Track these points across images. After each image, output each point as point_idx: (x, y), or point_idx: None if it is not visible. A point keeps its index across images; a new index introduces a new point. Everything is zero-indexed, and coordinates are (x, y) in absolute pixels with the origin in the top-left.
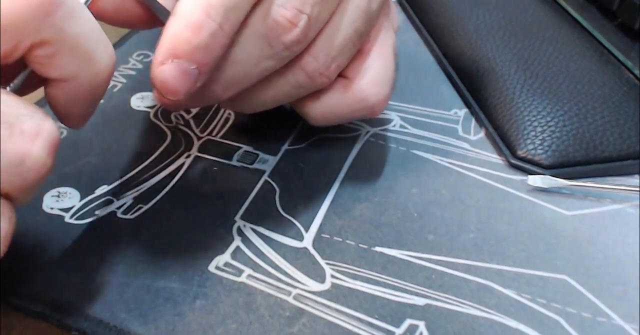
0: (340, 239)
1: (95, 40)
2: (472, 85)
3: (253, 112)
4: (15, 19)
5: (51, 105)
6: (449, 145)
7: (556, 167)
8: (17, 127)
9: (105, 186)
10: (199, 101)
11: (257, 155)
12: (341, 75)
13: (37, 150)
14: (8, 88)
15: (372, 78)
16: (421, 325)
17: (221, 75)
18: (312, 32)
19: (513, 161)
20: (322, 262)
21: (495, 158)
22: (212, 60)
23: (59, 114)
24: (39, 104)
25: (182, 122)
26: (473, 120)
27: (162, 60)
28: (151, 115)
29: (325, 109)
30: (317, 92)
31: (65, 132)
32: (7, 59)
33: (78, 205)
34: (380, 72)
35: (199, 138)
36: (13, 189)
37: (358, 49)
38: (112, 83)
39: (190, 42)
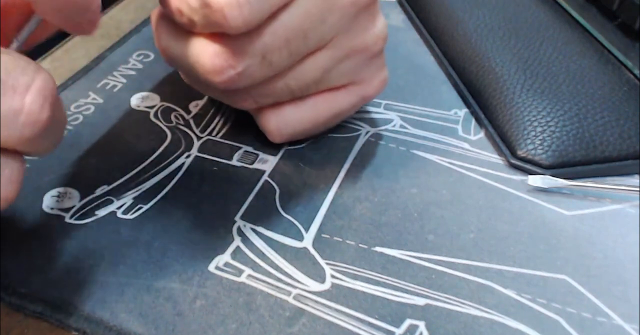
0: (340, 239)
1: None
2: (472, 85)
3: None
4: None
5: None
6: (449, 145)
7: (556, 167)
8: (8, 84)
9: (105, 186)
10: None
11: (257, 155)
12: None
13: (29, 104)
14: (15, 41)
15: (281, 118)
16: (421, 325)
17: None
18: (243, 83)
19: (513, 161)
20: (322, 262)
21: (495, 158)
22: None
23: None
24: None
25: (182, 122)
26: (473, 120)
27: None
28: (151, 115)
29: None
30: None
31: (65, 132)
32: None
33: (78, 205)
34: (294, 119)
35: (199, 138)
36: (15, 142)
37: (284, 100)
38: (112, 83)
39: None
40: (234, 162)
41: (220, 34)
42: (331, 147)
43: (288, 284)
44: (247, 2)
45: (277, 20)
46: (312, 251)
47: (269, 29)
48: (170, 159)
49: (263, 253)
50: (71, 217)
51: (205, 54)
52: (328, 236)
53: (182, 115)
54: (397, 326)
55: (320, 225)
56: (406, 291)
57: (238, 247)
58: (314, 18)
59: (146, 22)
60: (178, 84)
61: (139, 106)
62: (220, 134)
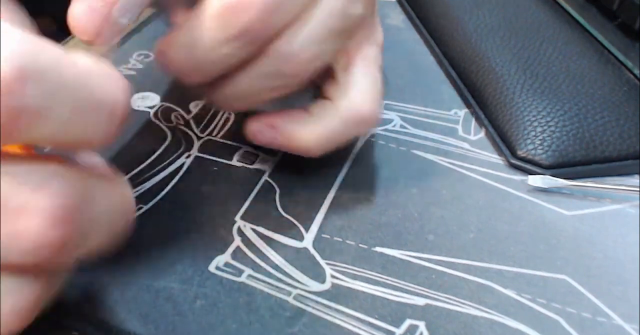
0: (340, 239)
1: None
2: (472, 85)
3: (239, 109)
4: None
5: None
6: (449, 145)
7: (556, 167)
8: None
9: None
10: (189, 79)
11: (257, 155)
12: (327, 97)
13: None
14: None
15: (359, 95)
16: (421, 325)
17: (183, 59)
18: (275, 20)
19: (513, 161)
20: (322, 262)
21: (495, 158)
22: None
23: None
24: None
25: (182, 122)
26: (473, 120)
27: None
28: (151, 115)
29: (318, 134)
30: (308, 122)
31: None
32: None
33: None
34: (368, 89)
35: (199, 138)
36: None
37: (332, 53)
38: None
39: None
40: (234, 162)
41: None
42: None
43: (288, 284)
44: None
45: None
46: (312, 251)
47: None
48: (171, 159)
49: (263, 253)
50: None
51: None
52: (328, 236)
53: (182, 115)
54: (397, 326)
55: (320, 225)
56: (406, 291)
57: (238, 247)
58: None
59: (146, 22)
60: (178, 84)
61: (139, 106)
62: (221, 134)
